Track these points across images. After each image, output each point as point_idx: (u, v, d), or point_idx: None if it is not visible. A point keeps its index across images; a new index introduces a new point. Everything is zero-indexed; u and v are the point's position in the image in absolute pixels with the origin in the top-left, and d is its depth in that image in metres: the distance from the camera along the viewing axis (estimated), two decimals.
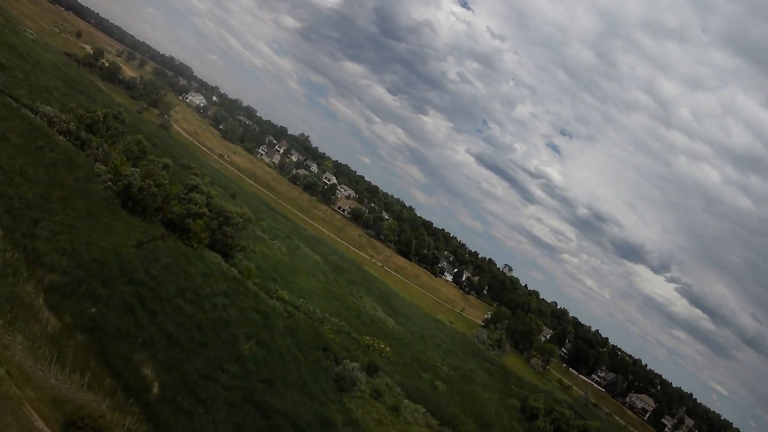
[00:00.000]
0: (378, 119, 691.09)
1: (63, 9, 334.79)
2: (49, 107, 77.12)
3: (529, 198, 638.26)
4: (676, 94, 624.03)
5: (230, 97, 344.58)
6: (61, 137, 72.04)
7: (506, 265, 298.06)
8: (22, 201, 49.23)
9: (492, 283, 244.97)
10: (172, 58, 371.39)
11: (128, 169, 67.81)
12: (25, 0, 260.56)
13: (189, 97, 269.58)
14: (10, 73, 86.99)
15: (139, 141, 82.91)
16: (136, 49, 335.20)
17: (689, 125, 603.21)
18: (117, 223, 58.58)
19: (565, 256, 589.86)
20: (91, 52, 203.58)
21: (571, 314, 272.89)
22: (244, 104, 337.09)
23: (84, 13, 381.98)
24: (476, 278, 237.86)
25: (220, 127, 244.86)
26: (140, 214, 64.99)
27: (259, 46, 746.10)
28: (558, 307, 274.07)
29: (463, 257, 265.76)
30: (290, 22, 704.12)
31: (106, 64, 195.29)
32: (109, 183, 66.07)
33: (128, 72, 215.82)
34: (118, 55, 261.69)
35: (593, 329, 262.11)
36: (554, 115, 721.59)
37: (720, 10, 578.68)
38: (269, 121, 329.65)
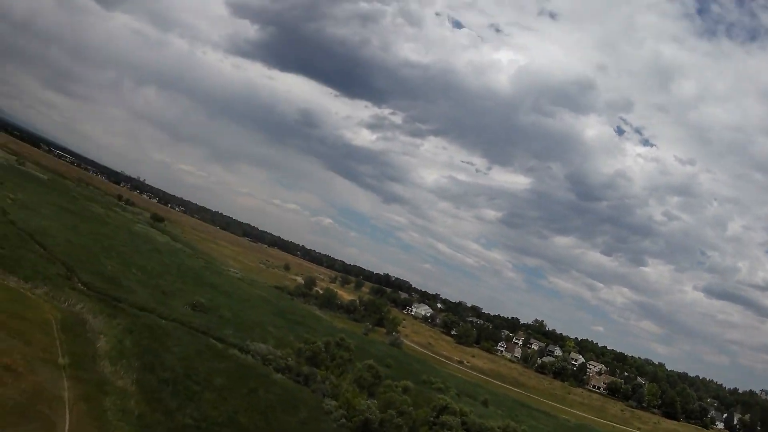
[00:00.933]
0: (600, 284, 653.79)
1: (266, 245, 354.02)
2: (261, 344, 71.46)
3: (765, 314, 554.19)
4: None
5: (452, 300, 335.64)
6: (279, 375, 64.99)
7: (762, 389, 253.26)
8: None
9: (765, 416, 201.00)
10: (387, 276, 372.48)
11: (363, 401, 59.86)
12: (226, 242, 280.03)
13: (414, 310, 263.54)
14: (215, 313, 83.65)
15: (371, 366, 76.30)
16: (348, 272, 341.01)
17: None
18: None
19: None
20: (303, 281, 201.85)
21: None
22: (468, 305, 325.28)
23: (288, 247, 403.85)
24: (747, 416, 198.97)
25: (453, 332, 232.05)
26: None
27: (467, 244, 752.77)
28: None
29: (726, 399, 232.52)
30: (490, 213, 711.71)
31: (321, 292, 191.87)
32: (343, 420, 58.50)
33: (345, 296, 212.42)
34: (331, 281, 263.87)
35: None
36: (765, 219, 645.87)
37: None
38: (498, 315, 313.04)
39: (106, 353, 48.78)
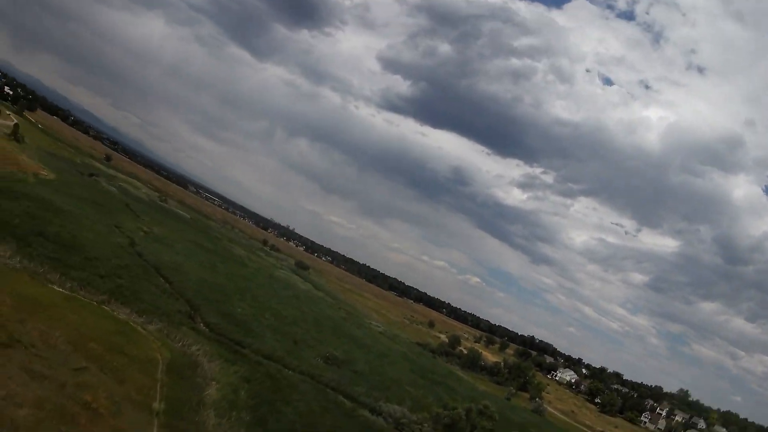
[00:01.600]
0: (742, 353, 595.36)
1: (412, 301, 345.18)
2: (395, 406, 63.55)
3: None
4: None
5: (594, 366, 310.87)
6: None
7: None
8: None
9: None
10: (532, 338, 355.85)
11: None
12: (371, 294, 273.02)
13: (558, 375, 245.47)
14: (350, 367, 75.76)
15: None
16: (494, 333, 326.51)
17: None
18: None
19: None
20: (447, 340, 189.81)
21: None
22: (611, 371, 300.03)
23: (434, 304, 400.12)
24: None
25: (596, 400, 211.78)
26: None
27: (612, 309, 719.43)
28: None
29: None
30: (638, 277, 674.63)
31: (465, 351, 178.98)
32: None
33: (489, 357, 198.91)
34: (476, 341, 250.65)
35: None
36: None
37: None
38: (641, 383, 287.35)
39: (214, 402, 42.20)
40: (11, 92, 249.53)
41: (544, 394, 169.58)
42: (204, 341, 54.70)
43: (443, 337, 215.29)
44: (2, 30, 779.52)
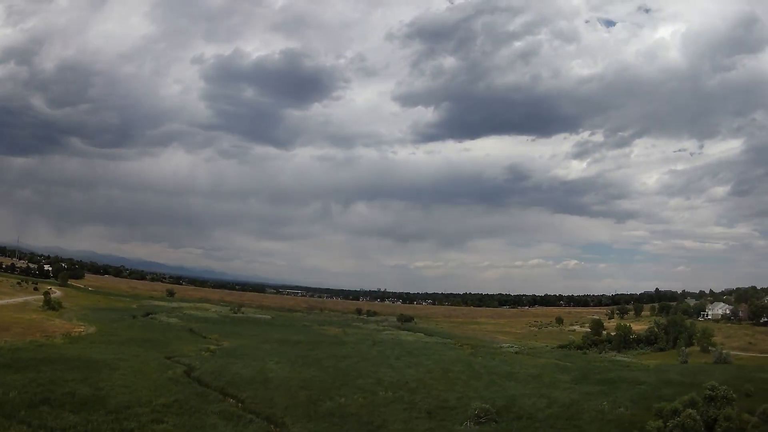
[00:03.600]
0: None
1: (527, 307, 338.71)
2: None
3: None
4: None
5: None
6: None
7: None
8: None
9: None
10: (656, 291, 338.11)
11: None
12: (485, 317, 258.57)
13: (709, 313, 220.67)
14: (509, 414, 53.99)
15: None
16: (617, 304, 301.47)
17: None
18: None
19: None
20: (589, 329, 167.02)
21: None
22: (744, 287, 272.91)
23: (549, 301, 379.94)
24: None
25: (763, 320, 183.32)
26: None
27: (710, 231, 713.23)
28: None
29: None
30: (720, 191, 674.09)
31: (612, 333, 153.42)
32: None
33: (636, 327, 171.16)
34: (609, 319, 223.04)
35: None
36: None
37: None
38: None
39: None
40: (50, 268, 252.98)
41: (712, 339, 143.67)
42: None
43: (578, 328, 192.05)
44: (42, 221, 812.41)
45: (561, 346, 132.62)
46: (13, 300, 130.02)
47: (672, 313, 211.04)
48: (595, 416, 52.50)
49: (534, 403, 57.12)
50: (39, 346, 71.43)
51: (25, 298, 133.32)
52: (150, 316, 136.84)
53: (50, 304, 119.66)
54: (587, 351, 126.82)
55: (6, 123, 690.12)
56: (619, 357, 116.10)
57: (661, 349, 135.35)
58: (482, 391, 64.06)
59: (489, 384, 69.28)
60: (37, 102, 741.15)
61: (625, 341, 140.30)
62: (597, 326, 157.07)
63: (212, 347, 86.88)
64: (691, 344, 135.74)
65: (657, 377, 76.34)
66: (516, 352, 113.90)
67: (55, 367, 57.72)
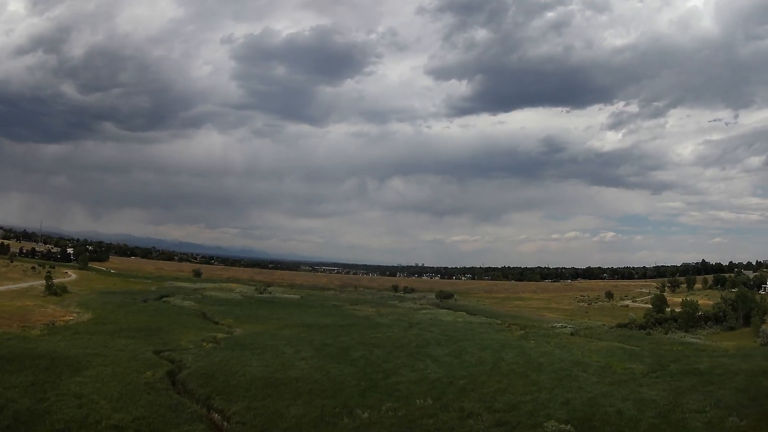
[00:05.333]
0: None
1: (569, 281, 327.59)
2: None
3: None
4: None
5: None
6: None
7: None
8: None
9: None
10: (703, 262, 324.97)
11: None
12: (528, 292, 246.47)
13: None
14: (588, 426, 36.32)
15: None
16: (663, 275, 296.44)
17: None
18: None
19: None
20: (650, 305, 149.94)
21: None
22: None
23: (592, 274, 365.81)
24: None
25: None
26: None
27: (746, 201, 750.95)
28: None
29: None
30: (755, 161, 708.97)
31: (677, 309, 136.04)
32: None
33: (702, 302, 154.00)
34: (661, 292, 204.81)
35: None
36: None
37: None
38: None
39: None
40: (72, 251, 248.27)
41: None
42: None
43: (630, 303, 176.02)
44: (78, 206, 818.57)
45: (620, 325, 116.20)
46: (16, 285, 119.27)
47: (729, 287, 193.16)
48: (704, 429, 38.13)
49: (621, 409, 42.68)
50: (6, 340, 59.23)
51: (30, 284, 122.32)
52: (164, 298, 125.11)
53: (51, 289, 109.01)
54: (651, 331, 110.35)
55: (38, 111, 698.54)
56: (690, 338, 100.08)
57: (732, 328, 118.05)
58: (549, 390, 49.68)
59: (555, 379, 54.89)
60: (68, 89, 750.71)
61: (691, 318, 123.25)
62: (660, 302, 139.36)
63: (220, 335, 73.55)
64: (763, 321, 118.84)
65: (747, 365, 61.22)
66: (571, 334, 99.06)
67: (2, 369, 45.37)
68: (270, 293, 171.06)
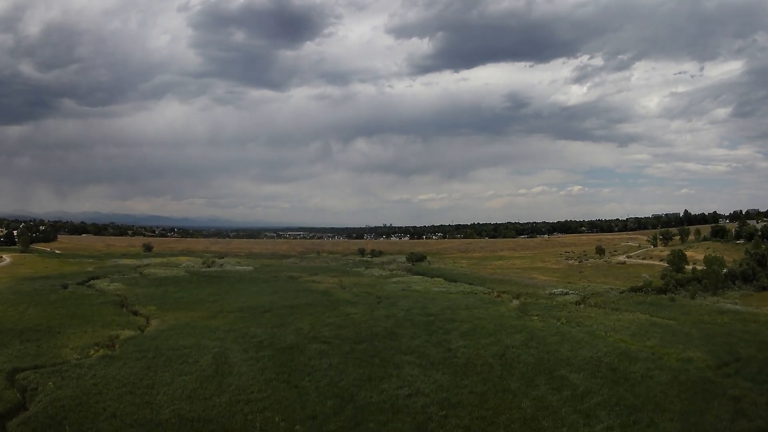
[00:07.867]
0: None
1: (546, 236, 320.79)
2: None
3: None
4: None
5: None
6: None
7: None
8: None
9: None
10: (686, 213, 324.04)
11: None
12: (507, 250, 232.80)
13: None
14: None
15: None
16: (644, 227, 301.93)
17: None
18: None
19: None
20: (667, 264, 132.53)
21: None
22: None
23: (570, 228, 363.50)
24: None
25: None
26: None
27: (713, 153, 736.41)
28: None
29: None
30: (721, 112, 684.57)
31: (698, 267, 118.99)
32: None
33: (694, 256, 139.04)
34: (653, 246, 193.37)
35: None
36: None
37: None
38: None
39: None
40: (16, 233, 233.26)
41: None
42: None
43: (626, 259, 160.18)
44: (43, 187, 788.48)
45: (634, 289, 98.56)
46: None
47: (732, 238, 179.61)
48: None
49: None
50: None
51: None
52: (90, 282, 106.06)
53: None
54: (674, 296, 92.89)
55: None
56: (726, 303, 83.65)
57: (764, 288, 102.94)
58: (582, 397, 33.44)
59: (587, 378, 38.71)
60: (26, 68, 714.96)
61: (716, 278, 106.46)
62: (678, 259, 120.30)
63: (125, 334, 54.81)
64: None
65: None
66: (577, 303, 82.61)
67: None
68: (221, 266, 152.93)
